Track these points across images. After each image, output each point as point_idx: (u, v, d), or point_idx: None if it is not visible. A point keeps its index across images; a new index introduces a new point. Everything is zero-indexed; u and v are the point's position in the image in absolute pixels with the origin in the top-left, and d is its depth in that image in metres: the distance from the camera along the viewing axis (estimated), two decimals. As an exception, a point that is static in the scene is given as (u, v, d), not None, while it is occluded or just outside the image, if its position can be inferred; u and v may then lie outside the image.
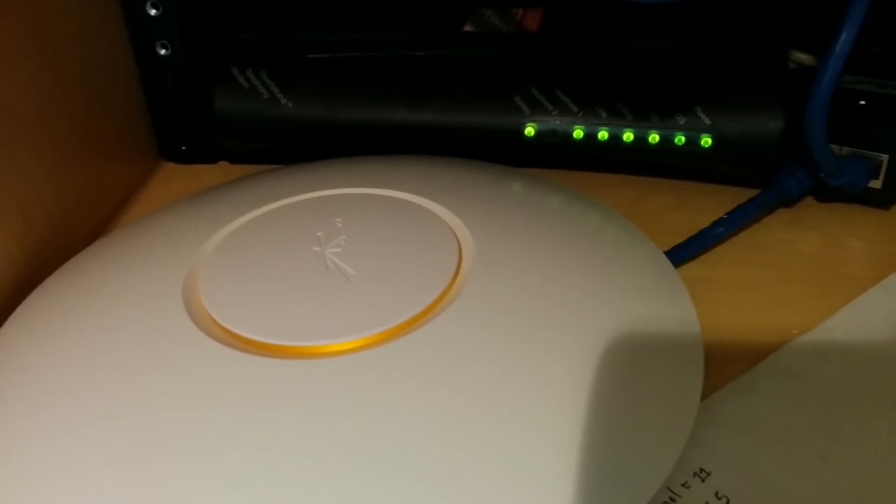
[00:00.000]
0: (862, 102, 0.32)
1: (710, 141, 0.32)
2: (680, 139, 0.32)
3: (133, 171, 0.37)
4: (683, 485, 0.21)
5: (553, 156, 0.35)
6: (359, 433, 0.20)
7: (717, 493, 0.21)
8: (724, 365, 0.25)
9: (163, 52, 0.36)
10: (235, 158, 0.39)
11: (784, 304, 0.28)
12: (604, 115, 0.33)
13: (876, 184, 0.31)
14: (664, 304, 0.25)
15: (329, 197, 0.29)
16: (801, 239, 0.31)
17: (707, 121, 0.32)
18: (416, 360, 0.21)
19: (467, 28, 0.38)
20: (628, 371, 0.22)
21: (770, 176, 0.32)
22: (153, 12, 0.35)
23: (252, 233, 0.27)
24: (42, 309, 0.26)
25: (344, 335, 0.22)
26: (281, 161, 0.36)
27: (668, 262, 0.27)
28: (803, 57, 0.37)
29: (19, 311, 0.26)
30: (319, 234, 0.26)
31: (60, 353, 0.23)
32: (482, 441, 0.20)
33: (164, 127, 0.38)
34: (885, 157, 0.31)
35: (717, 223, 0.30)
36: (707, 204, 0.33)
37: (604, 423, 0.20)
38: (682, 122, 0.32)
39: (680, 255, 0.29)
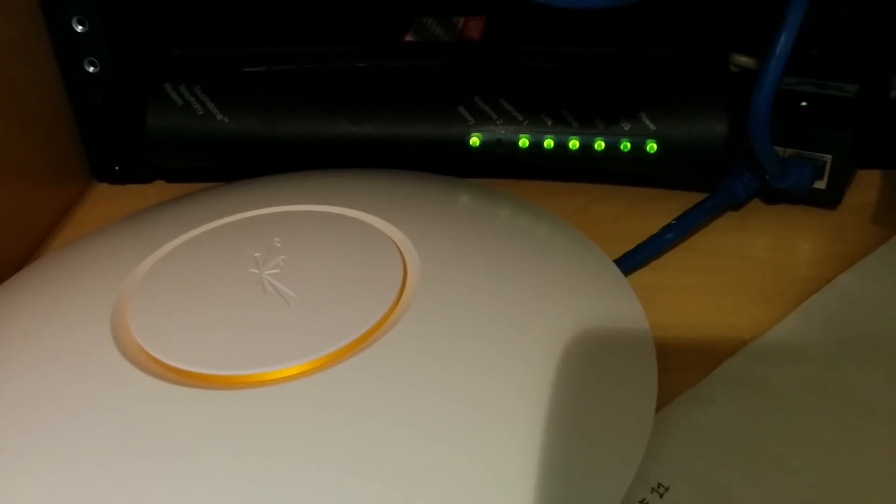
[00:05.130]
0: (804, 104, 0.32)
1: (655, 146, 0.32)
2: (626, 145, 0.32)
3: (63, 194, 0.36)
4: (641, 502, 0.20)
5: (499, 165, 0.34)
6: (298, 467, 0.19)
7: (675, 509, 0.20)
8: (679, 374, 0.24)
9: (91, 69, 0.35)
10: (172, 177, 0.37)
11: (735, 308, 0.27)
12: (549, 122, 0.32)
13: (821, 184, 0.31)
14: (615, 314, 0.25)
15: (267, 215, 0.27)
16: (749, 242, 0.31)
17: (652, 126, 0.32)
18: (360, 387, 0.20)
19: (408, 38, 0.37)
20: (580, 386, 0.21)
21: (717, 180, 0.32)
22: (80, 28, 0.34)
23: (185, 256, 0.26)
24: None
25: (282, 362, 0.21)
26: (220, 178, 0.35)
27: (617, 271, 0.27)
28: (745, 60, 0.37)
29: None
30: (257, 254, 0.25)
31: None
32: (430, 474, 0.19)
33: (95, 147, 0.37)
34: (828, 158, 0.31)
35: (666, 229, 0.30)
36: (655, 210, 0.32)
37: (556, 441, 0.20)
38: (627, 129, 0.32)
39: (629, 262, 0.29)
